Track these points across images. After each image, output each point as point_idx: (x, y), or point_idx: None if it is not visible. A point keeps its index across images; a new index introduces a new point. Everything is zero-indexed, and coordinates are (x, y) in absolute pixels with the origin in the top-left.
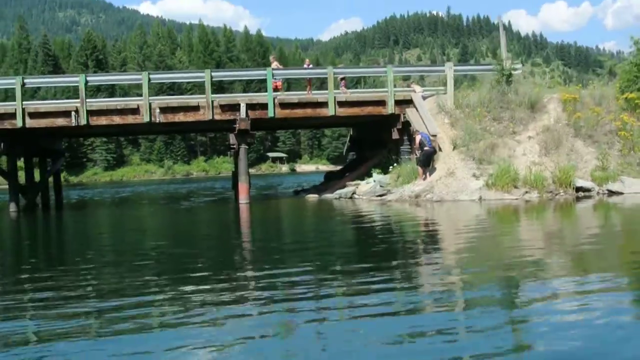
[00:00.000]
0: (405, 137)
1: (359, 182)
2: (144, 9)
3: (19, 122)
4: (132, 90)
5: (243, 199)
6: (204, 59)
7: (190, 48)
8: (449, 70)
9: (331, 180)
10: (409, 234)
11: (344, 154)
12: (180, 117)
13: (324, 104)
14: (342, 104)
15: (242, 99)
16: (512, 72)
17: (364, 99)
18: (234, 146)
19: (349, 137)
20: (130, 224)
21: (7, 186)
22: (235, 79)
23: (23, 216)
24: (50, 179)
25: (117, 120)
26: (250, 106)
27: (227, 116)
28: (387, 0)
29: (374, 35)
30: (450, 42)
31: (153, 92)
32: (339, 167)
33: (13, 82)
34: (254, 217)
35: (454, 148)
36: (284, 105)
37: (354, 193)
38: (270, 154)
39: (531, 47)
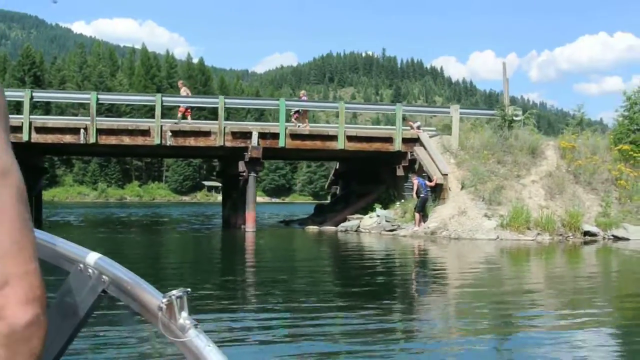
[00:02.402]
0: (409, 175)
1: (360, 215)
2: (77, 28)
3: (24, 136)
4: (68, 109)
5: (250, 227)
6: (145, 83)
7: (131, 71)
8: (455, 112)
9: (322, 213)
10: (481, 276)
11: (326, 187)
12: (191, 142)
13: (333, 137)
14: (351, 138)
15: (254, 127)
16: (514, 118)
17: (372, 135)
18: (244, 174)
19: (333, 171)
20: (208, 252)
21: None
22: (248, 107)
23: None
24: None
25: (126, 140)
26: (262, 135)
27: (238, 143)
28: (323, 38)
29: (310, 71)
30: (384, 82)
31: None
32: (274, 199)
33: (22, 94)
34: (298, 246)
35: (462, 188)
36: (295, 136)
37: (358, 226)
38: (206, 183)
39: (461, 93)
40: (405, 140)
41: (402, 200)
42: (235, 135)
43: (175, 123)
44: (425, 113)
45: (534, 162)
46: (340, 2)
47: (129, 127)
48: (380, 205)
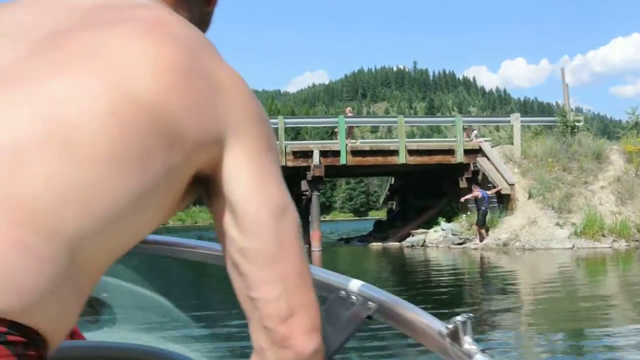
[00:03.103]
0: (472, 187)
1: (425, 230)
2: None
3: None
4: None
5: (316, 246)
6: None
7: None
8: (516, 121)
9: (382, 229)
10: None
11: (381, 202)
12: None
13: (394, 152)
14: (412, 152)
15: (316, 145)
16: (576, 124)
17: (433, 148)
18: (306, 193)
19: (388, 187)
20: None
21: None
22: (308, 125)
23: None
24: None
25: None
26: (323, 153)
27: (300, 162)
28: (354, 54)
29: (342, 88)
30: (417, 96)
31: None
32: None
33: None
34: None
35: (530, 197)
36: (355, 152)
37: (424, 241)
38: None
39: (495, 102)
40: (466, 152)
41: (468, 213)
42: (297, 154)
43: None
44: (485, 123)
45: (600, 167)
46: (369, 18)
47: None
48: (444, 219)
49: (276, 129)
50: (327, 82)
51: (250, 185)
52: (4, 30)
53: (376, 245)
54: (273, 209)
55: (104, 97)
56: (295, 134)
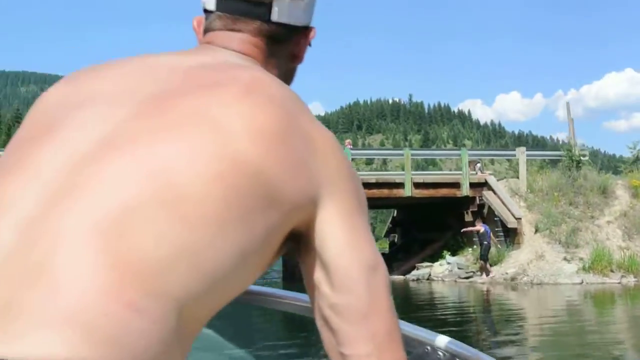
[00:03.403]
0: (475, 222)
1: (429, 263)
2: None
3: None
4: None
5: None
6: None
7: None
8: (522, 155)
9: (385, 262)
10: None
11: (383, 235)
12: None
13: (400, 185)
14: (418, 185)
15: None
16: (582, 158)
17: (439, 181)
18: None
19: (390, 219)
20: None
21: None
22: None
23: None
24: None
25: None
26: None
27: None
28: (349, 86)
29: (338, 120)
30: (413, 128)
31: None
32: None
33: None
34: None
35: (536, 231)
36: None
37: (429, 275)
38: None
39: (490, 135)
40: (472, 185)
41: (474, 247)
42: None
43: None
44: (490, 157)
45: (606, 202)
46: (364, 50)
47: None
48: (449, 252)
49: None
50: (322, 114)
51: (343, 242)
52: (108, 92)
53: None
54: (365, 265)
55: (209, 160)
56: None
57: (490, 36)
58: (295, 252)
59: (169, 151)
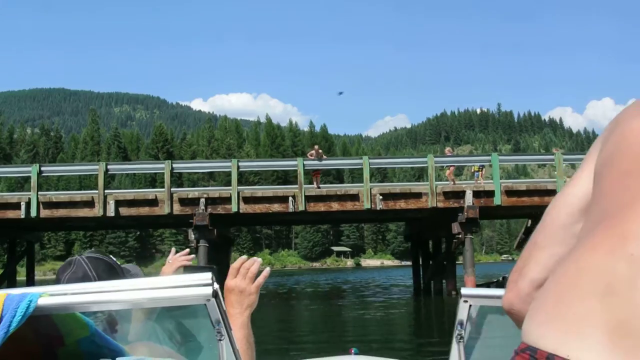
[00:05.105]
0: None
1: None
2: (196, 105)
3: (233, 207)
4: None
5: None
6: (271, 153)
7: (257, 142)
8: None
9: None
10: None
11: (514, 247)
12: (401, 205)
13: (552, 192)
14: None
15: (468, 185)
16: None
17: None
18: (459, 236)
19: (523, 229)
20: None
21: None
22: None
23: None
24: None
25: (335, 206)
26: (476, 193)
27: (451, 204)
28: (433, 97)
29: (425, 132)
30: (502, 138)
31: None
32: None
33: (229, 165)
34: None
35: None
36: (510, 192)
37: None
38: (335, 248)
39: (584, 144)
40: None
41: None
42: (448, 195)
43: (318, 187)
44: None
45: None
46: (449, 60)
47: (338, 193)
48: None
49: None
50: (408, 126)
51: None
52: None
53: None
54: None
55: None
56: (382, 177)
57: (578, 42)
58: None
59: None
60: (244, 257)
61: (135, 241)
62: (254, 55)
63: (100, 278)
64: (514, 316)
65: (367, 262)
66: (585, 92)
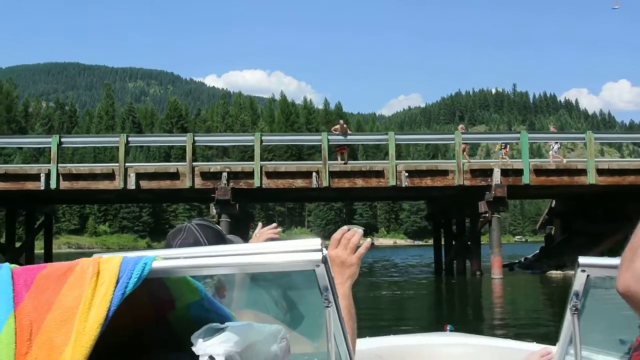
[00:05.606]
0: None
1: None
2: (210, 81)
3: (256, 182)
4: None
5: (496, 273)
6: (285, 130)
7: (271, 119)
8: None
9: (550, 255)
10: None
11: (537, 227)
12: (427, 182)
13: (582, 172)
14: (601, 172)
15: (496, 163)
16: None
17: (626, 167)
18: (486, 214)
19: (547, 210)
20: None
21: None
22: (487, 142)
23: None
24: None
25: (359, 183)
26: (504, 172)
27: (478, 182)
28: (448, 77)
29: (439, 111)
30: (517, 119)
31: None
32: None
33: (251, 139)
34: None
35: None
36: (539, 171)
37: None
38: (347, 227)
39: (599, 126)
40: None
41: None
42: (475, 173)
43: (344, 163)
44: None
45: None
46: (464, 40)
47: (363, 169)
48: None
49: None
50: (422, 105)
51: None
52: None
53: (555, 274)
54: None
55: None
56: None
57: (594, 22)
58: None
59: None
60: (345, 227)
61: (149, 216)
62: (269, 32)
63: (210, 244)
64: (631, 299)
65: (380, 241)
66: (602, 74)
